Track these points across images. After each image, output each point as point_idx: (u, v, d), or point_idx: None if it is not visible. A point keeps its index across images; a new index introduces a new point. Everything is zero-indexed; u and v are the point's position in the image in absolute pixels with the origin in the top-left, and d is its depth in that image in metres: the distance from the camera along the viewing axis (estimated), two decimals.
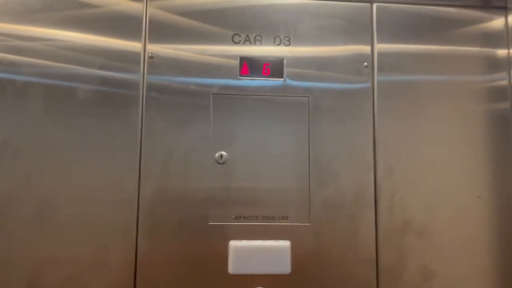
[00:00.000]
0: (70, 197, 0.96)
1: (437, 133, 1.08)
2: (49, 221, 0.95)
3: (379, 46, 1.08)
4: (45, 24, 1.01)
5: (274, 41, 1.06)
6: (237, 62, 1.04)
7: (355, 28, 1.09)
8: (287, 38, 1.07)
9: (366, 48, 1.08)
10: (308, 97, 1.05)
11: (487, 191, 1.07)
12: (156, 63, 1.02)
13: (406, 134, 1.07)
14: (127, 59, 1.02)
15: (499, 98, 1.10)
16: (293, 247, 0.99)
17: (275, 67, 1.05)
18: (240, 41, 1.05)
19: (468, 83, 1.10)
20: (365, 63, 1.07)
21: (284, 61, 1.05)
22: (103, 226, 0.96)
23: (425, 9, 1.11)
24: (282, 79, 1.05)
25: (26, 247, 0.94)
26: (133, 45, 1.03)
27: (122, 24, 1.03)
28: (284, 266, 0.98)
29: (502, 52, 1.13)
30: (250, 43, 1.06)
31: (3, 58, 0.99)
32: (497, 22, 1.14)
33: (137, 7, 1.05)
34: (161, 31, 1.04)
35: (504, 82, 1.11)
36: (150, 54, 1.02)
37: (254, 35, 1.06)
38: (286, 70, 1.05)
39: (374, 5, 1.09)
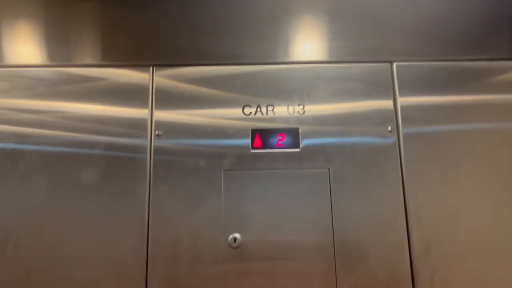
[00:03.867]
0: None
1: (477, 194, 0.95)
2: None
3: (401, 101, 0.99)
4: (53, 98, 1.00)
5: (288, 110, 0.99)
6: (249, 134, 0.97)
7: (374, 88, 1.00)
8: (301, 106, 0.99)
9: (388, 108, 0.99)
10: (328, 168, 0.95)
11: None
12: (163, 129, 0.97)
13: (441, 200, 0.94)
14: (135, 126, 0.98)
15: None
16: None
17: (290, 138, 0.97)
18: (251, 112, 0.99)
19: (505, 131, 0.99)
20: (389, 128, 0.97)
21: (300, 131, 0.97)
22: None
23: (449, 64, 1.02)
24: (298, 149, 0.96)
25: None
26: (140, 112, 0.99)
27: (128, 94, 1.00)
28: None
29: None
30: (262, 114, 0.99)
31: (14, 130, 0.98)
32: None
33: (143, 77, 1.01)
34: (167, 98, 1.00)
35: None
36: (157, 132, 0.97)
37: (266, 105, 0.99)
38: (302, 140, 0.97)
39: (394, 64, 1.01)
